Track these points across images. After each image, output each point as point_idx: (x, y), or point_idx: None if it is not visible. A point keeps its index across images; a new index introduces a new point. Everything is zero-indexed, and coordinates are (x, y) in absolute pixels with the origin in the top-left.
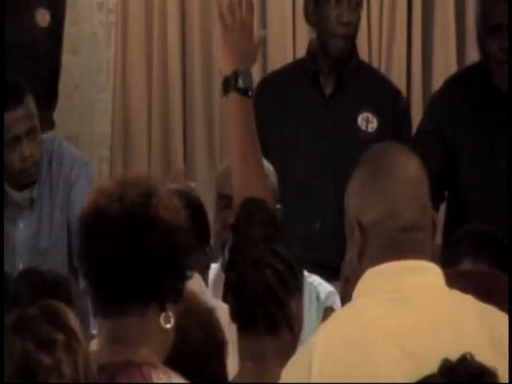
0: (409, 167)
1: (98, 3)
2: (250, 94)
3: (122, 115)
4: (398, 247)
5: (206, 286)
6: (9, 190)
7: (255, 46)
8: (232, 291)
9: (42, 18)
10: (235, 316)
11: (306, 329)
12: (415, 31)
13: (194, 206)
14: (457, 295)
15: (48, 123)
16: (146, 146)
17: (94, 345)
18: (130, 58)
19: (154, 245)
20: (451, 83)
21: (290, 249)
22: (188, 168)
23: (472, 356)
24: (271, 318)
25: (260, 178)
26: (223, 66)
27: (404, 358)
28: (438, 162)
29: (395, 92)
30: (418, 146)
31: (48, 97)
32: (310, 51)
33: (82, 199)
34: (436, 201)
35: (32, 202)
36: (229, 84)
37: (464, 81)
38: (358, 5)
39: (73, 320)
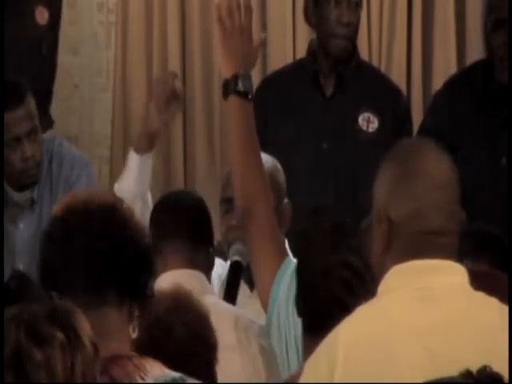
0: (442, 169)
1: (98, 3)
2: (250, 96)
3: (122, 115)
4: (422, 248)
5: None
6: (9, 190)
7: (255, 49)
8: (301, 298)
9: (41, 15)
10: (304, 322)
11: None
12: (415, 31)
13: (198, 207)
14: (481, 297)
15: (47, 122)
16: None
17: None
18: (130, 58)
19: (135, 241)
20: (453, 82)
21: (359, 256)
22: (188, 168)
23: (491, 368)
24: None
25: (260, 179)
26: (223, 69)
27: (427, 358)
28: None
29: (396, 91)
30: None
31: (46, 95)
32: (310, 51)
33: None
34: None
35: (33, 202)
36: (229, 87)
37: (466, 79)
38: (358, 5)
39: (81, 323)
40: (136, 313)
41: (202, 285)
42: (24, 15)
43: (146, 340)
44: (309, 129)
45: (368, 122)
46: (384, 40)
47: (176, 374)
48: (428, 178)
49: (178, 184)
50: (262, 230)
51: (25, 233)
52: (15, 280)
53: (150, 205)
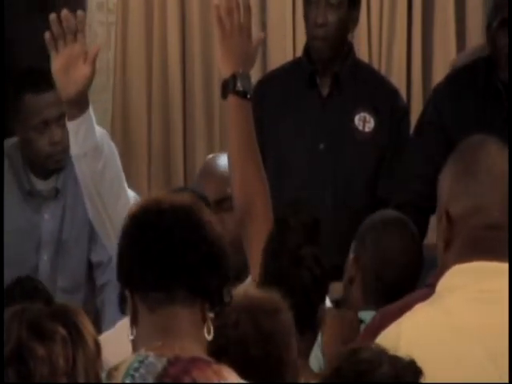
0: (502, 165)
1: (98, 3)
2: (249, 96)
3: (122, 115)
4: (481, 244)
5: None
6: (33, 178)
7: (254, 49)
8: (268, 281)
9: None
10: None
11: None
12: (415, 31)
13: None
14: None
15: None
16: (146, 146)
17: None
18: (130, 58)
19: (208, 242)
20: (455, 78)
21: (324, 258)
22: (188, 168)
23: None
24: (299, 319)
25: (259, 179)
26: (222, 69)
27: (488, 359)
28: (440, 155)
29: (393, 91)
30: (420, 139)
31: None
32: (307, 51)
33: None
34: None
35: (57, 191)
36: (228, 87)
37: (468, 75)
38: (340, 6)
39: (83, 320)
40: (210, 315)
41: None
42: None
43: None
44: (305, 129)
45: (364, 121)
46: (384, 40)
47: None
48: (488, 172)
49: (178, 184)
50: (260, 229)
51: (50, 223)
52: (19, 286)
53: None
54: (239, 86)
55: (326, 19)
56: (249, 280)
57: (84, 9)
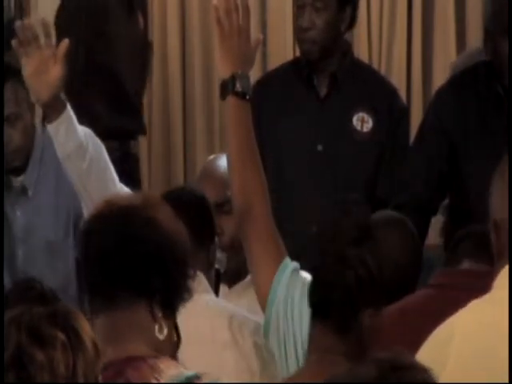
0: None
1: None
2: (248, 97)
3: None
4: None
5: (211, 286)
6: (8, 175)
7: (253, 50)
8: (315, 283)
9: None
10: (314, 307)
11: (307, 330)
12: (415, 31)
13: (200, 204)
14: None
15: (140, 126)
16: (146, 146)
17: None
18: None
19: (145, 241)
20: (456, 81)
21: (376, 262)
22: (188, 168)
23: None
24: (340, 319)
25: (258, 180)
26: (221, 69)
27: None
28: (442, 159)
29: (391, 91)
30: (421, 141)
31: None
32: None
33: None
34: (437, 199)
35: (24, 188)
36: (227, 87)
37: (469, 79)
38: (326, 8)
39: (82, 323)
40: (159, 314)
41: (200, 284)
42: (134, 19)
43: None
44: (303, 129)
45: (362, 121)
46: (384, 40)
47: (191, 373)
48: None
49: (178, 184)
50: (259, 229)
51: (21, 220)
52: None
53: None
54: (238, 86)
55: (311, 23)
56: (247, 279)
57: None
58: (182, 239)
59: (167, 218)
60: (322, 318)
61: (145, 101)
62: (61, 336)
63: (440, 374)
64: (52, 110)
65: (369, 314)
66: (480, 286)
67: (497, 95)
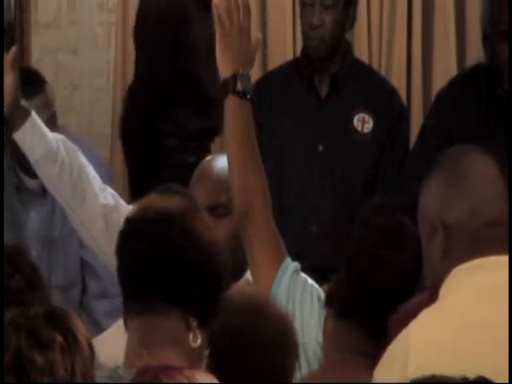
0: (491, 168)
1: (98, 3)
2: (249, 96)
3: None
4: (484, 243)
5: None
6: (22, 176)
7: (253, 50)
8: (342, 282)
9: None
10: (337, 306)
11: (308, 330)
12: (415, 31)
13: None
14: None
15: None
16: None
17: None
18: (130, 58)
19: (183, 250)
20: (457, 83)
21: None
22: None
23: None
24: (380, 322)
25: (259, 179)
26: (221, 69)
27: (500, 354)
28: None
29: (391, 91)
30: (423, 145)
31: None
32: (305, 52)
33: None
34: None
35: (44, 189)
36: (228, 87)
37: (469, 81)
38: (335, 6)
39: (76, 323)
40: (194, 323)
41: None
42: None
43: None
44: (304, 130)
45: (363, 122)
46: (384, 40)
47: None
48: (479, 174)
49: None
50: (260, 230)
51: (36, 220)
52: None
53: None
54: (239, 85)
55: (321, 20)
56: (244, 278)
57: None
58: (217, 249)
59: (204, 227)
60: (350, 318)
61: None
62: (59, 338)
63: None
64: (15, 119)
65: (392, 318)
66: None
67: (497, 97)
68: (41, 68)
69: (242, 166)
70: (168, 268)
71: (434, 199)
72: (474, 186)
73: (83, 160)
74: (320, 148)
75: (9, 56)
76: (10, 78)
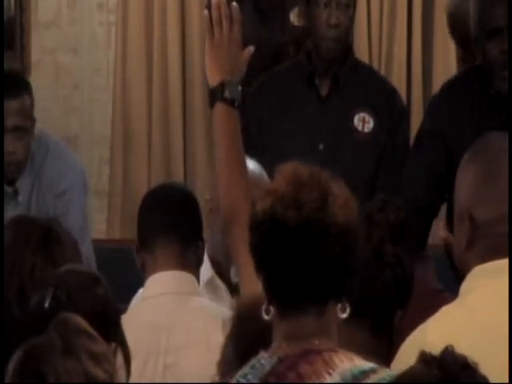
0: None
1: (98, 3)
2: (237, 104)
3: (122, 115)
4: (504, 251)
5: (198, 284)
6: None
7: (243, 59)
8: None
9: (297, 16)
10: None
11: None
12: (415, 31)
13: (187, 200)
14: None
15: None
16: (146, 146)
17: None
18: (130, 58)
19: (329, 250)
20: (450, 86)
21: (411, 261)
22: (188, 168)
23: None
24: (377, 317)
25: (244, 185)
26: (210, 78)
27: None
28: (440, 163)
29: (391, 91)
30: (420, 147)
31: None
32: (306, 52)
33: (78, 208)
34: (437, 202)
35: (16, 193)
36: (216, 95)
37: (462, 84)
38: (348, 6)
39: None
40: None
41: (192, 286)
42: (274, 19)
43: None
44: (304, 129)
45: (363, 121)
46: (384, 40)
47: (366, 366)
48: (506, 178)
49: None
50: (246, 233)
51: None
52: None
53: None
54: (227, 93)
55: (338, 20)
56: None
57: None
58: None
59: (344, 214)
60: (353, 314)
61: (145, 101)
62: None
63: None
64: None
65: (399, 315)
66: None
67: (490, 98)
68: (41, 68)
69: (228, 172)
70: (321, 271)
71: (466, 189)
72: (504, 191)
73: None
74: (320, 147)
75: None
76: None
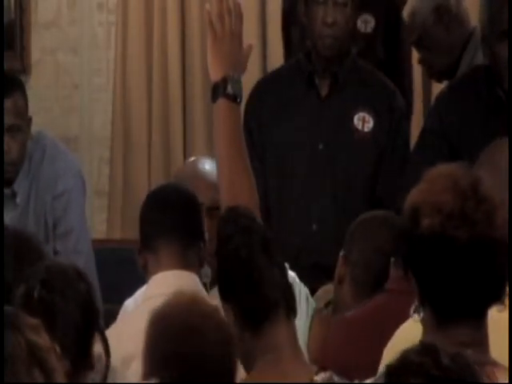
0: None
1: (98, 3)
2: (239, 100)
3: (122, 115)
4: None
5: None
6: None
7: (245, 56)
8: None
9: (365, 23)
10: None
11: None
12: None
13: (188, 202)
14: None
15: None
16: (146, 146)
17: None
18: (130, 58)
19: (495, 262)
20: (456, 85)
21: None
22: None
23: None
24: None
25: (247, 182)
26: (212, 73)
27: None
28: (442, 162)
29: (391, 91)
30: (423, 147)
31: None
32: (306, 52)
33: (77, 209)
34: None
35: (13, 194)
36: (218, 90)
37: (469, 83)
38: (346, 5)
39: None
40: None
41: (194, 286)
42: None
43: None
44: (305, 129)
45: (363, 121)
46: None
47: None
48: None
49: None
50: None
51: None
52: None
53: None
54: (229, 89)
55: (335, 18)
56: None
57: None
58: None
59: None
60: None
61: (145, 101)
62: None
63: None
64: None
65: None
66: None
67: (497, 99)
68: (41, 68)
69: (230, 168)
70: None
71: None
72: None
73: None
74: (320, 147)
75: None
76: None
